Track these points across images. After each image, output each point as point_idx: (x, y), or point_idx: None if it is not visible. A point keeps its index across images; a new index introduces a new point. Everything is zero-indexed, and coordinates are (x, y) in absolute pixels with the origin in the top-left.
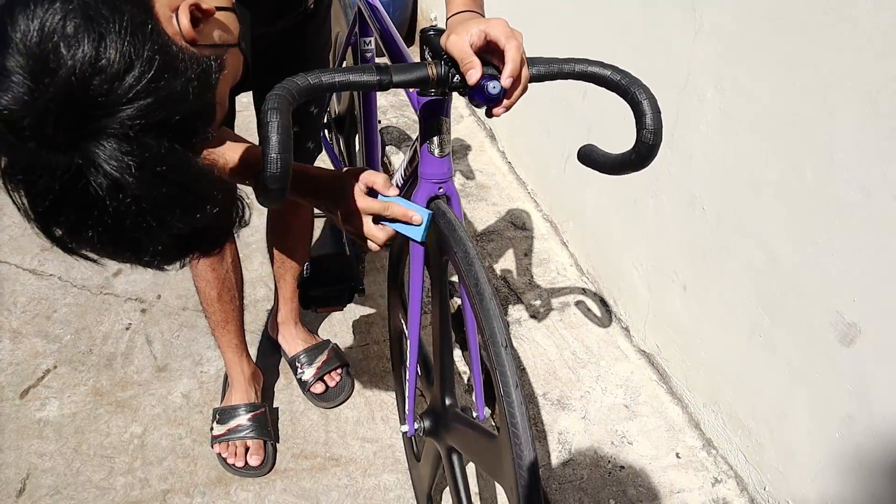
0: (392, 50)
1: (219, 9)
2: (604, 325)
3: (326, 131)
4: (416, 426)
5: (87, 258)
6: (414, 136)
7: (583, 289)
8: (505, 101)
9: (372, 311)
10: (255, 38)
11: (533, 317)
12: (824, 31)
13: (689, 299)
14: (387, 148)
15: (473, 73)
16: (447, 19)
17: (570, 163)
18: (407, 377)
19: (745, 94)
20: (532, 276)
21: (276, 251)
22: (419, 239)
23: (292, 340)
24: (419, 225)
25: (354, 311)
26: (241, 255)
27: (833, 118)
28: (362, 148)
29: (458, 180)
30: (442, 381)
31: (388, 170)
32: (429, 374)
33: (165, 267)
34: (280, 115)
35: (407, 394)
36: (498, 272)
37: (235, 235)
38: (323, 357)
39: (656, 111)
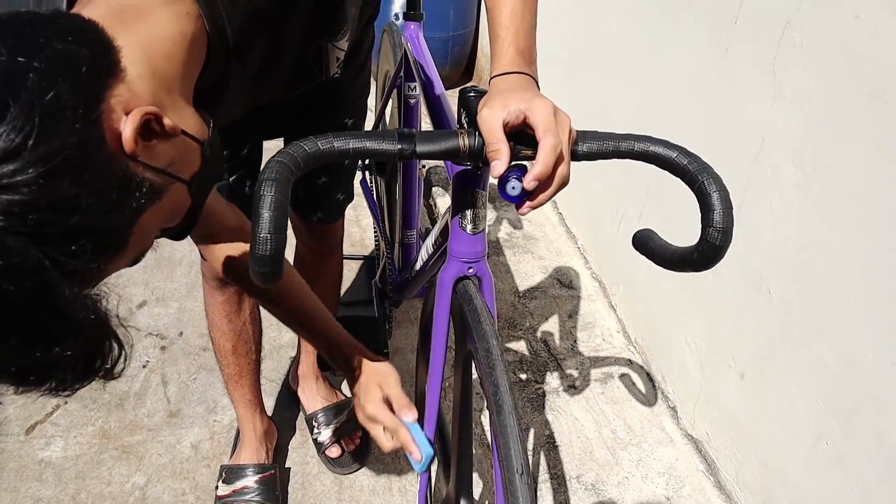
0: (433, 103)
1: (185, 133)
2: (649, 403)
3: (367, 173)
4: None
5: None
6: None
7: (629, 360)
8: (528, 203)
9: (399, 367)
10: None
11: (572, 387)
12: None
13: (746, 389)
14: (433, 189)
15: (497, 165)
16: (490, 78)
17: (624, 222)
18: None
19: (828, 171)
20: (575, 341)
21: None
22: (417, 470)
23: (312, 396)
24: (419, 461)
25: None
26: None
27: None
28: (400, 197)
29: (505, 229)
30: (458, 480)
31: (431, 213)
32: (446, 459)
33: None
34: (276, 189)
35: (419, 488)
36: (538, 334)
37: None
38: (342, 418)
39: (727, 207)
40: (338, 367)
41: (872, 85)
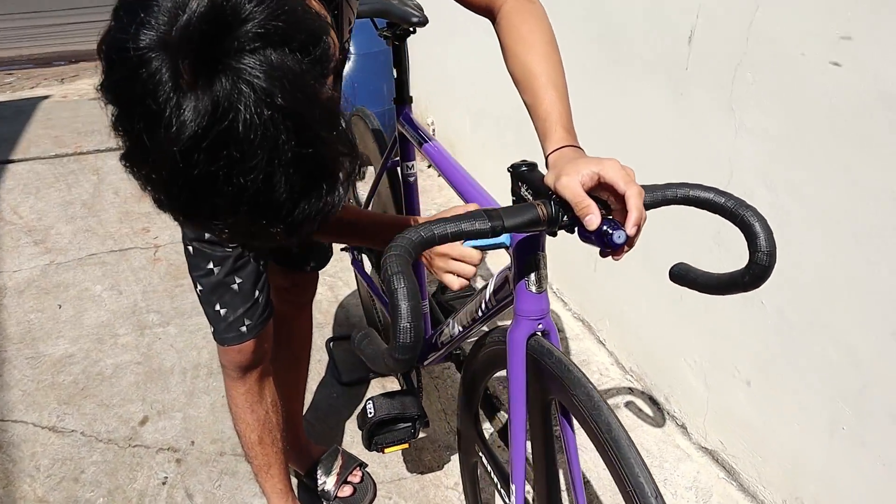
0: (456, 175)
1: None
2: (658, 425)
3: (355, 251)
4: None
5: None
6: None
7: (629, 388)
8: (625, 247)
9: (420, 434)
10: None
11: None
12: (878, 138)
13: (754, 395)
14: None
15: (592, 220)
16: (547, 155)
17: (599, 262)
18: None
19: (796, 190)
20: None
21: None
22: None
23: (300, 459)
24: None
25: None
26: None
27: None
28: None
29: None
30: None
31: None
32: None
33: (292, 235)
34: (406, 280)
35: None
36: None
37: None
38: (338, 460)
39: (769, 233)
40: None
41: (825, 114)
